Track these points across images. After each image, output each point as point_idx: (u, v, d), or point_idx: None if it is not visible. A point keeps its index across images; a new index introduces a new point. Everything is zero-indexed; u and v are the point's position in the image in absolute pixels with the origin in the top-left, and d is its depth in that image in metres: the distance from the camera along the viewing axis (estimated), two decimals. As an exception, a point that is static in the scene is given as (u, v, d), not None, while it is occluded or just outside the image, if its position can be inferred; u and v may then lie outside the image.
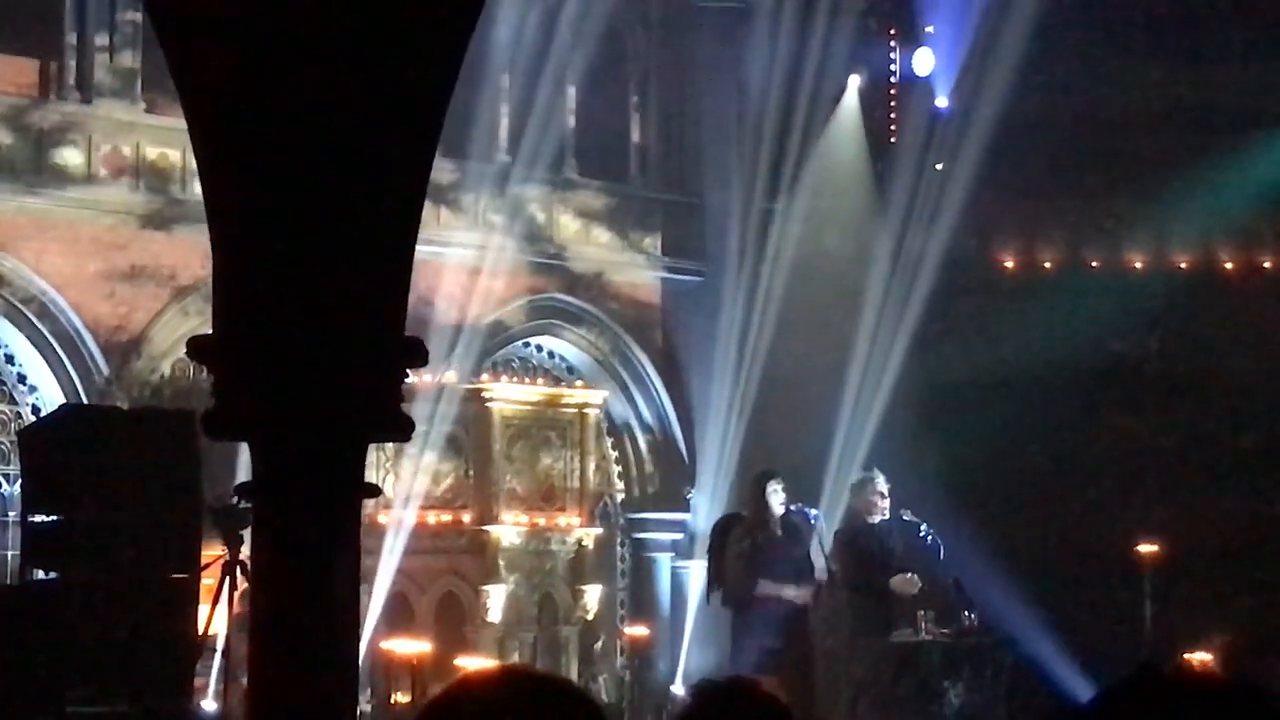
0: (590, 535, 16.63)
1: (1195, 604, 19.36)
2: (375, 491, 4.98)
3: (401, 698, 15.09)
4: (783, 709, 3.03)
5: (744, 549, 14.68)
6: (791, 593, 14.42)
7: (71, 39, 16.59)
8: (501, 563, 15.87)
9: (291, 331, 4.77)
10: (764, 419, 19.14)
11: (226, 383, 4.86)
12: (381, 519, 15.24)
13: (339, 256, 4.79)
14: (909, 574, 14.54)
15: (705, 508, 19.33)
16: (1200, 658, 16.15)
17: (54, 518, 10.58)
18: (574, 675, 16.01)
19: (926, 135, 19.91)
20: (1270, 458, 20.24)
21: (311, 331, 4.77)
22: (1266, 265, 20.54)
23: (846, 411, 18.79)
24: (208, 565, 10.89)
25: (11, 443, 16.02)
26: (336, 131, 4.74)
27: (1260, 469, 20.25)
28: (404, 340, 4.92)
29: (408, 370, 4.97)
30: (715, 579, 15.08)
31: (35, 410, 16.32)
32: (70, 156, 16.34)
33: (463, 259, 18.26)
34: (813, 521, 14.92)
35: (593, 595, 16.51)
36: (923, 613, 14.63)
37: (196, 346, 4.94)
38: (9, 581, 14.77)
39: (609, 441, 19.47)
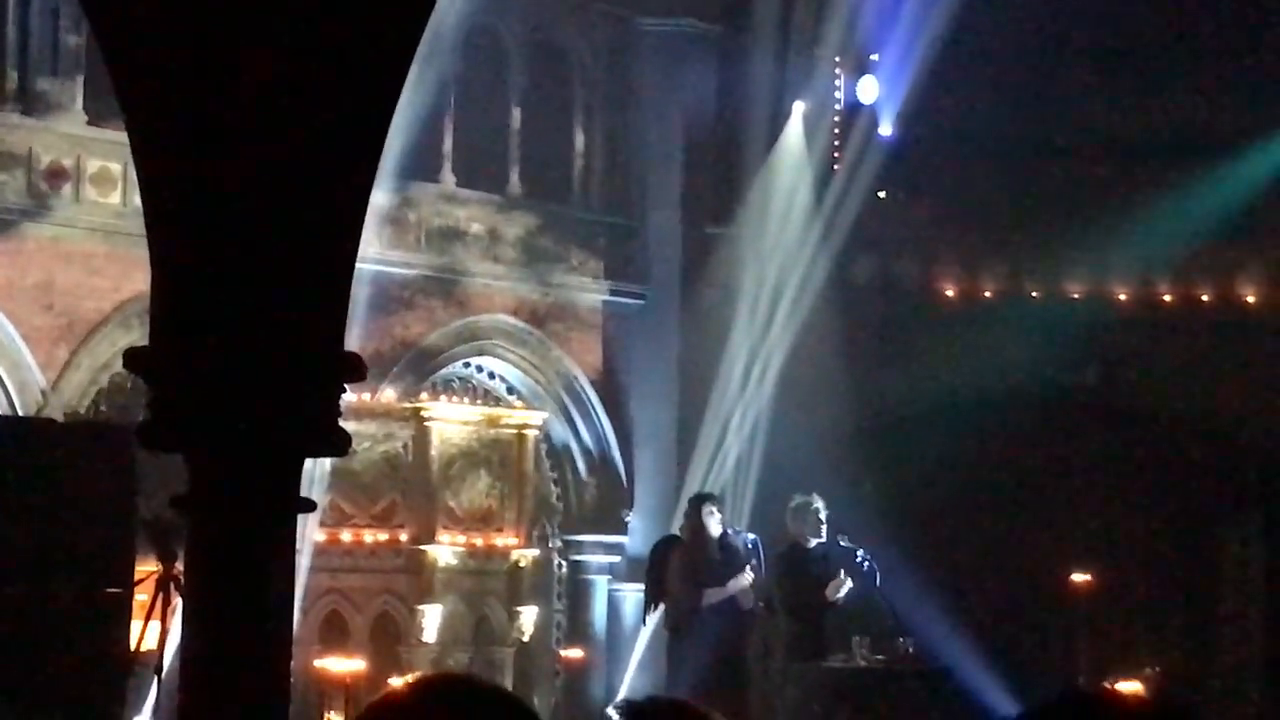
0: (528, 556, 16.61)
1: (1127, 634, 19.46)
2: (310, 506, 4.97)
3: (335, 717, 15.02)
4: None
5: (683, 570, 14.72)
6: (735, 585, 14.50)
7: (12, 52, 16.50)
8: (438, 583, 15.84)
9: (229, 345, 4.76)
10: (703, 443, 19.16)
11: (163, 395, 4.85)
12: (317, 535, 15.20)
13: (278, 271, 4.79)
14: (839, 576, 14.61)
15: (643, 531, 19.32)
16: (1130, 687, 16.22)
17: (-14, 531, 10.50)
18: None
19: (870, 163, 19.96)
20: (1204, 490, 20.34)
21: (249, 345, 4.77)
22: (1205, 298, 20.64)
23: (786, 436, 18.80)
24: (141, 580, 10.81)
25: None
26: (278, 146, 4.74)
27: (1193, 501, 20.35)
28: (343, 355, 4.92)
29: (346, 386, 4.97)
30: (653, 599, 15.12)
31: (-29, 423, 16.21)
32: (11, 169, 16.25)
33: (404, 278, 18.25)
34: (749, 545, 14.95)
35: (529, 617, 16.48)
36: (858, 639, 14.66)
37: (133, 358, 4.93)
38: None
39: (547, 463, 19.44)
